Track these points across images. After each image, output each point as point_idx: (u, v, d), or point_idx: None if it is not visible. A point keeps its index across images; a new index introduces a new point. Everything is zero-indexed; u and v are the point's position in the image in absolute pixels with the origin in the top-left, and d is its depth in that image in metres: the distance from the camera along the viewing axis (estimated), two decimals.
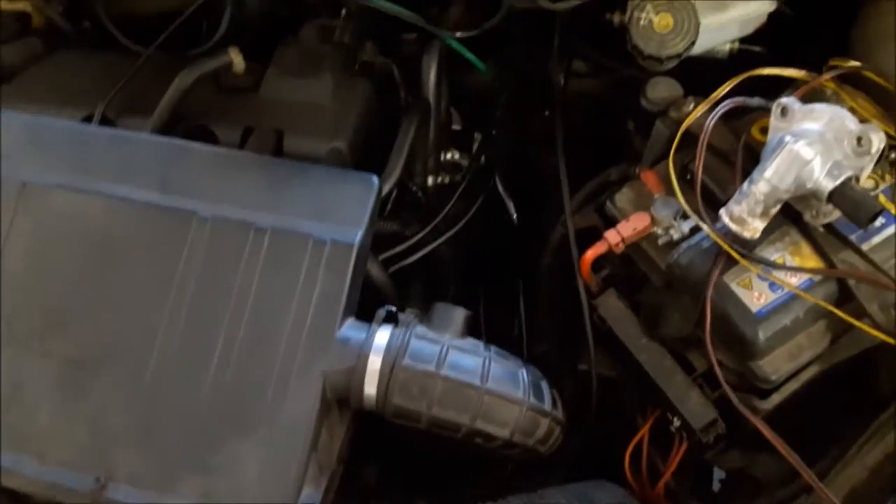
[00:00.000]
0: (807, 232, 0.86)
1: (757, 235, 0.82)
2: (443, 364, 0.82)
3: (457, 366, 0.82)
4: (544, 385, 0.87)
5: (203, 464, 0.80)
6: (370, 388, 0.81)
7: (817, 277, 0.84)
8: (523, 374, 0.85)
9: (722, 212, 0.83)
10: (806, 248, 0.85)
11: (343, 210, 0.89)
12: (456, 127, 1.25)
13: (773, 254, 0.85)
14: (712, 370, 0.84)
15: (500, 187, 1.19)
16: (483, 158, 1.20)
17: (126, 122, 1.05)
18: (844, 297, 0.84)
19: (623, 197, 0.95)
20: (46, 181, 0.90)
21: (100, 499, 0.79)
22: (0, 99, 1.07)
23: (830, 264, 0.84)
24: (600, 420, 1.00)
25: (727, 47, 1.06)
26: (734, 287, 0.84)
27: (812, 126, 0.81)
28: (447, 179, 1.18)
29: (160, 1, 1.21)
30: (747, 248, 0.83)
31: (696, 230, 0.88)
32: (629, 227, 0.91)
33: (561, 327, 1.07)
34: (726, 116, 0.90)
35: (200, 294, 0.85)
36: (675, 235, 0.89)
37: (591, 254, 0.92)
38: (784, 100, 0.84)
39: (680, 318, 0.88)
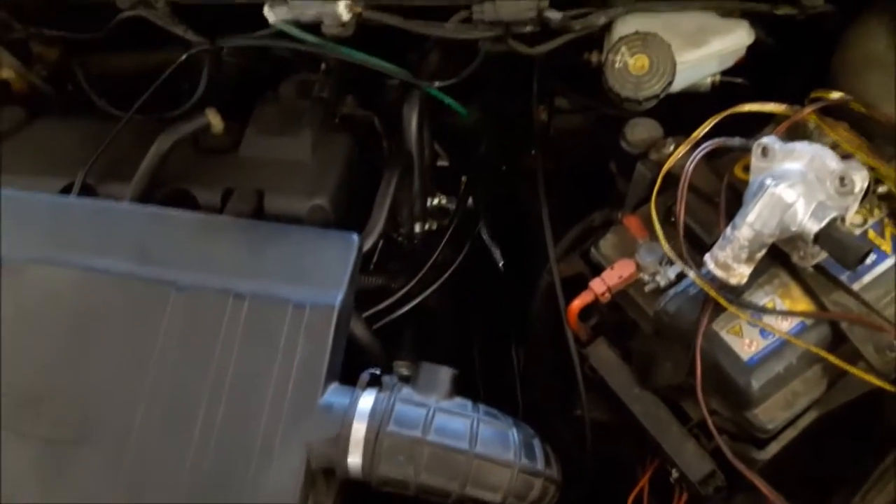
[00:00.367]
0: (796, 273, 0.83)
1: (743, 281, 0.80)
2: (429, 429, 0.80)
3: (444, 430, 0.80)
4: (536, 443, 0.84)
5: None
6: (355, 457, 0.79)
7: (809, 321, 0.82)
8: (514, 434, 0.82)
9: (707, 258, 0.81)
10: (796, 290, 0.83)
11: (323, 271, 0.88)
12: (443, 163, 1.24)
13: (763, 297, 0.83)
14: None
15: (484, 235, 1.18)
16: (470, 201, 1.19)
17: (107, 189, 1.05)
18: (838, 339, 0.82)
19: (607, 243, 0.93)
20: (23, 257, 0.89)
21: None
22: None
23: (822, 306, 0.82)
24: (600, 467, 0.98)
25: (708, 81, 1.05)
26: (724, 335, 0.82)
27: (793, 166, 0.79)
28: (434, 225, 1.17)
29: (139, 61, 1.22)
30: (735, 293, 0.81)
31: (682, 276, 0.85)
32: (615, 276, 0.89)
33: (555, 373, 1.05)
34: (708, 156, 0.88)
35: (180, 366, 0.83)
36: (662, 282, 0.87)
37: (577, 304, 0.91)
38: (764, 140, 0.82)
39: (672, 366, 0.86)
